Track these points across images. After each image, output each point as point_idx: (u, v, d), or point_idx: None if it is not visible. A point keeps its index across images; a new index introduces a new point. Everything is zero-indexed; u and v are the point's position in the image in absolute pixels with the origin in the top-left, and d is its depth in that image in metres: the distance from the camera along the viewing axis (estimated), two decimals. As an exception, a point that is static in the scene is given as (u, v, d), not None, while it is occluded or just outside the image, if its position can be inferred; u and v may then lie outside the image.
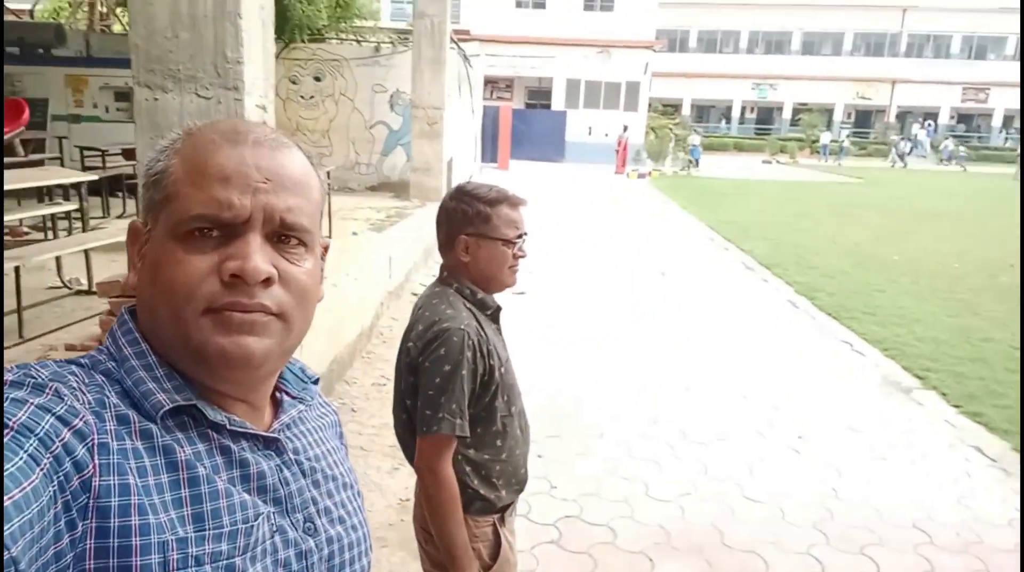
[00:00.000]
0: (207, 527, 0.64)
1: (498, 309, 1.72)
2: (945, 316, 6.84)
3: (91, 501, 0.57)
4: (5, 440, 0.54)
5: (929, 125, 40.65)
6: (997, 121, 41.13)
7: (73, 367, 0.66)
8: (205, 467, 0.66)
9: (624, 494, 3.44)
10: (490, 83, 28.43)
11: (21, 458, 0.53)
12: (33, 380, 0.61)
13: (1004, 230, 12.67)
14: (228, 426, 0.70)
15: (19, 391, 0.59)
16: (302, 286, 0.70)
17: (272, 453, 0.73)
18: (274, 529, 0.70)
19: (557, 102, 29.04)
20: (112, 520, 0.58)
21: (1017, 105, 39.21)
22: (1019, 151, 26.97)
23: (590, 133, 28.17)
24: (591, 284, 7.74)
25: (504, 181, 1.85)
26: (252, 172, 0.67)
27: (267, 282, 0.67)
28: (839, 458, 3.93)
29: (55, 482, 0.55)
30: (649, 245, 10.43)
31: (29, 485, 0.52)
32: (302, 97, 10.74)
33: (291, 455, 0.75)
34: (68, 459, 0.57)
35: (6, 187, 4.26)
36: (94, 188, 6.11)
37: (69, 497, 0.56)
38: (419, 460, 1.57)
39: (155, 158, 0.71)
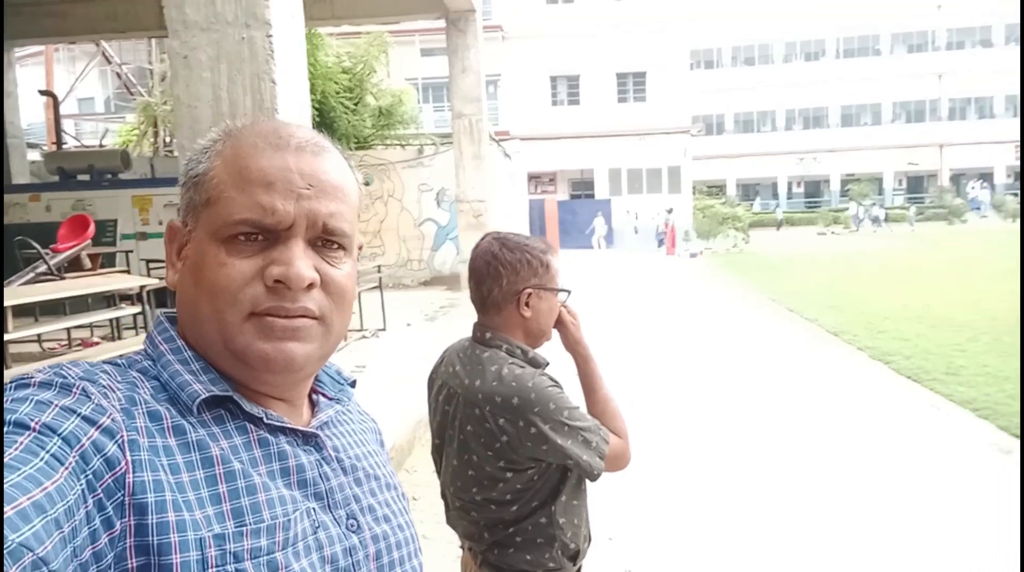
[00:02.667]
0: (247, 522, 0.62)
1: (547, 364, 1.61)
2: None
3: (127, 498, 0.57)
4: (27, 441, 0.53)
5: (984, 186, 39.73)
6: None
7: (106, 366, 0.66)
8: (242, 461, 0.66)
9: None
10: (533, 178, 29.21)
11: (43, 459, 0.52)
12: (62, 379, 0.61)
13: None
14: (266, 420, 0.69)
15: (46, 392, 0.59)
16: (341, 289, 0.71)
17: (311, 448, 0.72)
18: (316, 524, 0.68)
19: (600, 191, 29.53)
20: (150, 517, 0.57)
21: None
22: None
23: (637, 218, 28.40)
24: (666, 375, 7.51)
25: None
26: (296, 178, 0.68)
27: (310, 287, 0.68)
28: (946, 529, 3.54)
29: (83, 481, 0.54)
30: (710, 324, 10.17)
31: (52, 485, 0.51)
32: (353, 201, 11.16)
33: (331, 452, 0.74)
34: (97, 457, 0.56)
35: (77, 293, 4.42)
36: (161, 300, 6.33)
37: (102, 495, 0.55)
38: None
39: (196, 159, 0.72)
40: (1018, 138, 37.83)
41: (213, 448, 0.64)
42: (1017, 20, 36.58)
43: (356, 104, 11.55)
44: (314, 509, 0.69)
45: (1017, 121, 39.46)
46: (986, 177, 40.65)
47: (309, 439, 0.73)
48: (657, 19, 28.18)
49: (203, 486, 0.62)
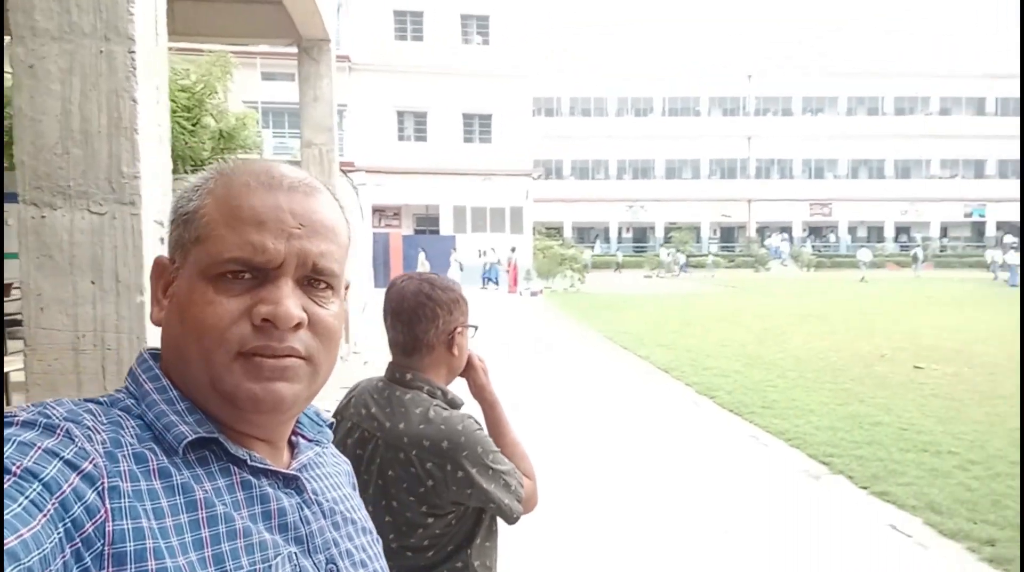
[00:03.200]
0: (227, 568, 0.62)
1: (463, 404, 1.61)
2: (835, 405, 7.20)
3: (107, 548, 0.55)
4: (6, 486, 0.52)
5: (784, 238, 44.70)
6: (843, 231, 45.79)
7: (90, 405, 0.65)
8: (225, 504, 0.65)
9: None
10: (378, 211, 28.90)
11: (21, 504, 0.51)
12: (46, 420, 0.59)
13: (865, 325, 13.80)
14: (249, 462, 0.69)
15: (30, 432, 0.57)
16: (329, 329, 0.71)
17: (292, 492, 0.72)
18: (297, 569, 0.67)
19: (445, 227, 29.80)
20: (129, 566, 0.56)
21: (857, 217, 43.99)
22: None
23: (480, 255, 28.93)
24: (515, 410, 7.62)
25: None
26: (287, 218, 0.68)
27: (297, 327, 0.67)
28: (766, 548, 3.90)
29: (61, 529, 0.53)
30: (549, 357, 10.53)
31: (28, 532, 0.50)
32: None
33: (311, 495, 0.73)
34: (78, 504, 0.55)
35: None
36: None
37: (79, 544, 0.54)
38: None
39: (186, 196, 0.72)
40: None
41: (197, 491, 0.63)
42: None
43: (194, 125, 10.90)
44: (295, 554, 0.68)
45: (812, 182, 45.05)
46: (786, 230, 45.77)
47: (290, 482, 0.72)
48: (503, 66, 29.29)
49: (186, 531, 0.61)
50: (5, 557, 0.48)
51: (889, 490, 4.74)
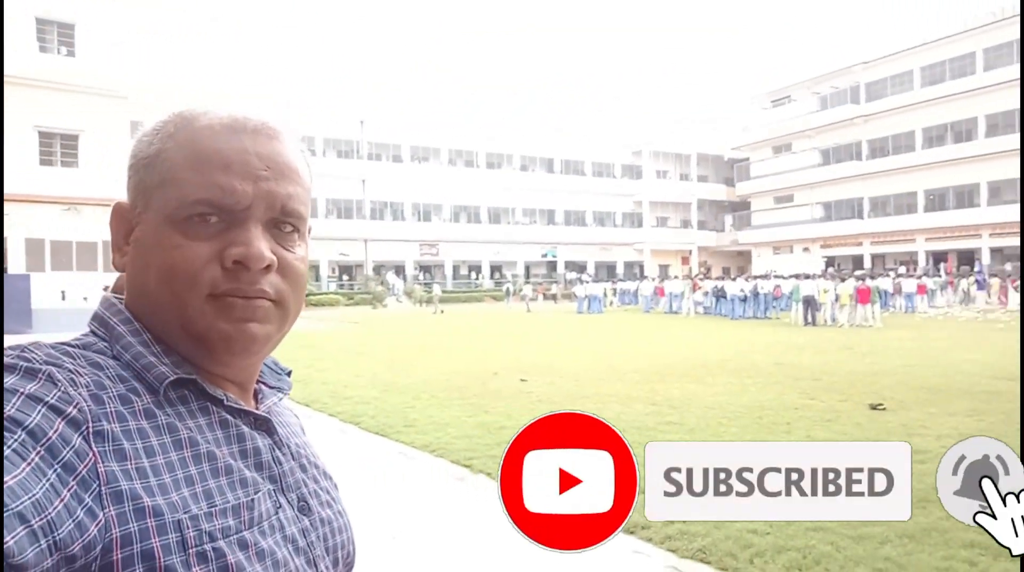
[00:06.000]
0: (216, 503, 0.63)
1: None
2: (466, 417, 8.06)
3: (103, 488, 0.56)
4: None
5: (399, 276, 47.53)
6: (448, 270, 50.47)
7: (67, 347, 0.64)
8: (208, 442, 0.66)
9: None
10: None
11: (4, 454, 0.51)
12: (27, 363, 0.58)
13: (479, 350, 15.56)
14: (225, 401, 0.70)
15: (11, 376, 0.57)
16: (297, 272, 0.72)
17: (265, 433, 0.74)
18: (277, 505, 0.70)
19: (16, 265, 24.85)
20: (127, 504, 0.57)
21: (460, 257, 48.85)
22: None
23: (64, 298, 24.77)
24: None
25: None
26: (253, 159, 0.68)
27: (267, 269, 0.68)
28: (431, 545, 4.27)
29: (52, 474, 0.53)
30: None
31: (12, 480, 0.50)
32: None
33: (281, 437, 0.76)
34: (66, 449, 0.55)
35: None
36: None
37: (76, 487, 0.54)
38: None
39: (145, 140, 0.71)
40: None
41: (182, 429, 0.64)
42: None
43: None
44: (273, 491, 0.70)
45: (421, 224, 48.85)
46: (399, 268, 48.77)
47: (262, 423, 0.73)
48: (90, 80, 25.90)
49: (177, 468, 0.62)
50: None
51: (521, 479, 5.54)
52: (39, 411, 0.55)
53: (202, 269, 0.66)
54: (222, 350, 0.68)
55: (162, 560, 0.57)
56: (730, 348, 15.41)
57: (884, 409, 8.02)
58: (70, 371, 0.60)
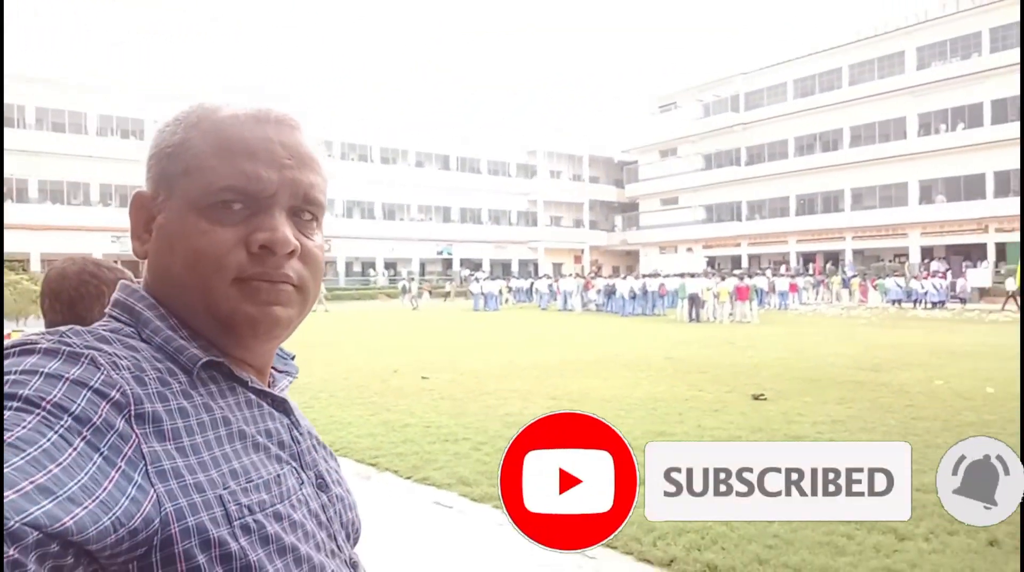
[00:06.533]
0: (252, 477, 0.66)
1: None
2: (368, 415, 7.95)
3: (148, 467, 0.58)
4: (37, 421, 0.53)
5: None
6: (341, 266, 49.32)
7: (102, 332, 0.65)
8: (239, 420, 0.69)
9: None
10: None
11: (49, 439, 0.52)
12: (68, 348, 0.60)
13: (376, 348, 15.35)
14: (250, 384, 0.73)
15: (53, 361, 0.58)
16: (316, 258, 0.75)
17: (283, 414, 0.76)
18: (300, 482, 0.73)
19: None
20: (171, 481, 0.59)
21: (353, 253, 47.80)
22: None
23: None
24: None
25: None
26: (277, 149, 0.71)
27: (291, 254, 0.70)
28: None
29: (97, 458, 0.54)
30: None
31: (57, 467, 0.51)
32: None
33: (296, 417, 0.79)
34: (111, 432, 0.56)
35: None
36: None
37: (124, 467, 0.56)
38: None
39: (168, 130, 0.72)
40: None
41: (216, 409, 0.67)
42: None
43: None
44: (295, 468, 0.73)
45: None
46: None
47: (279, 405, 0.76)
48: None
49: (215, 445, 0.64)
50: (40, 492, 0.49)
51: (429, 475, 5.56)
52: (84, 396, 0.56)
53: (228, 254, 0.68)
54: (247, 333, 0.70)
55: (214, 532, 0.60)
56: (623, 344, 15.99)
57: (765, 399, 8.60)
58: (110, 354, 0.61)
